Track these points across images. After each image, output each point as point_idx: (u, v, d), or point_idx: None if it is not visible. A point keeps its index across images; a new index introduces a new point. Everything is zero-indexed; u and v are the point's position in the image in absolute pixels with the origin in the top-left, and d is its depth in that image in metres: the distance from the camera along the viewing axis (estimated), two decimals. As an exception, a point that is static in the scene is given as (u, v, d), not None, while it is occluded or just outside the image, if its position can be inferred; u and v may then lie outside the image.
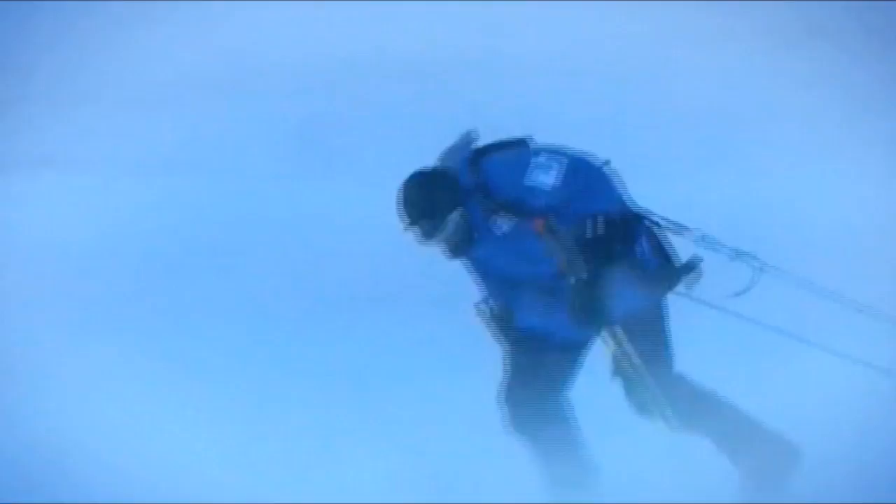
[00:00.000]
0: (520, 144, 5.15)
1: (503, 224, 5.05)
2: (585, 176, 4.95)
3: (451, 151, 5.21)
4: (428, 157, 5.56)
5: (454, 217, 5.07)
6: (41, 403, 6.07)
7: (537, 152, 5.04)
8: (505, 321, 5.19)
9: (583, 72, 8.03)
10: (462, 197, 5.07)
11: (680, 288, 5.08)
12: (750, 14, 7.73)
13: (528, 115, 7.60)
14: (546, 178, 4.93)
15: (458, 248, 5.14)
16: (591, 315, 4.97)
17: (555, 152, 5.03)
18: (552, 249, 4.97)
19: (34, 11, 7.88)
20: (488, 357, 5.67)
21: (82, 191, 7.63)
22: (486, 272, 5.20)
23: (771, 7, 7.71)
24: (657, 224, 5.14)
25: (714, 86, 7.74)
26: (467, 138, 5.21)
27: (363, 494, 5.47)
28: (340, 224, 7.32)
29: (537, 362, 5.12)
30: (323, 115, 7.99)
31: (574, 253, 4.93)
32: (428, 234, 5.12)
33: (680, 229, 5.19)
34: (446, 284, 5.88)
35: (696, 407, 5.14)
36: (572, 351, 5.14)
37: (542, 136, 5.14)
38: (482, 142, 5.17)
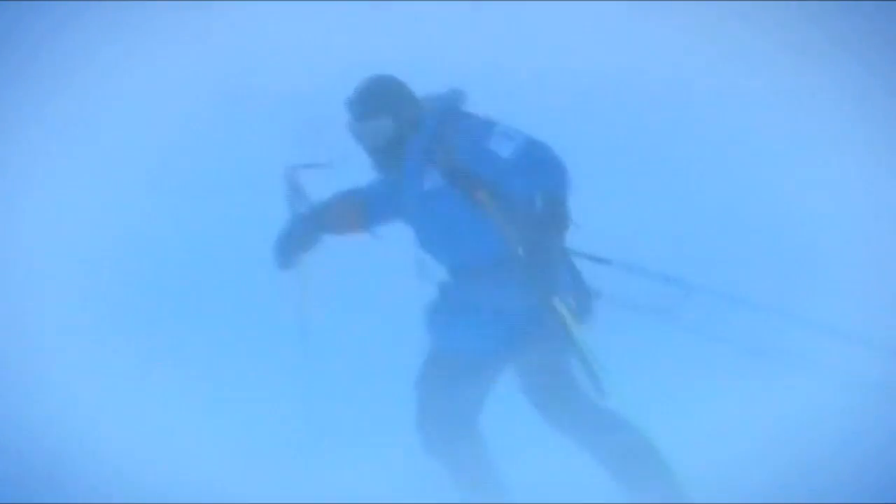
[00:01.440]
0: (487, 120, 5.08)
1: (435, 180, 4.96)
2: (537, 155, 4.88)
3: (433, 98, 5.12)
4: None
5: (386, 124, 5.00)
6: (41, 403, 6.08)
7: (502, 126, 4.97)
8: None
9: (588, 89, 8.03)
10: (411, 124, 5.00)
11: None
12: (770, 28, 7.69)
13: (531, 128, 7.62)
14: (504, 148, 4.88)
15: (378, 161, 5.06)
16: (547, 281, 4.85)
17: (516, 130, 4.98)
18: (495, 220, 4.90)
19: (28, 13, 7.87)
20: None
21: (81, 195, 7.64)
22: (424, 242, 5.08)
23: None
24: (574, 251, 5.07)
25: (732, 104, 7.72)
26: (456, 95, 5.13)
27: (364, 494, 5.48)
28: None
29: (451, 386, 5.00)
30: (323, 121, 8.01)
31: (519, 225, 4.86)
32: (356, 118, 5.03)
33: (601, 260, 5.17)
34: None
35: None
36: (485, 372, 5.02)
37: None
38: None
